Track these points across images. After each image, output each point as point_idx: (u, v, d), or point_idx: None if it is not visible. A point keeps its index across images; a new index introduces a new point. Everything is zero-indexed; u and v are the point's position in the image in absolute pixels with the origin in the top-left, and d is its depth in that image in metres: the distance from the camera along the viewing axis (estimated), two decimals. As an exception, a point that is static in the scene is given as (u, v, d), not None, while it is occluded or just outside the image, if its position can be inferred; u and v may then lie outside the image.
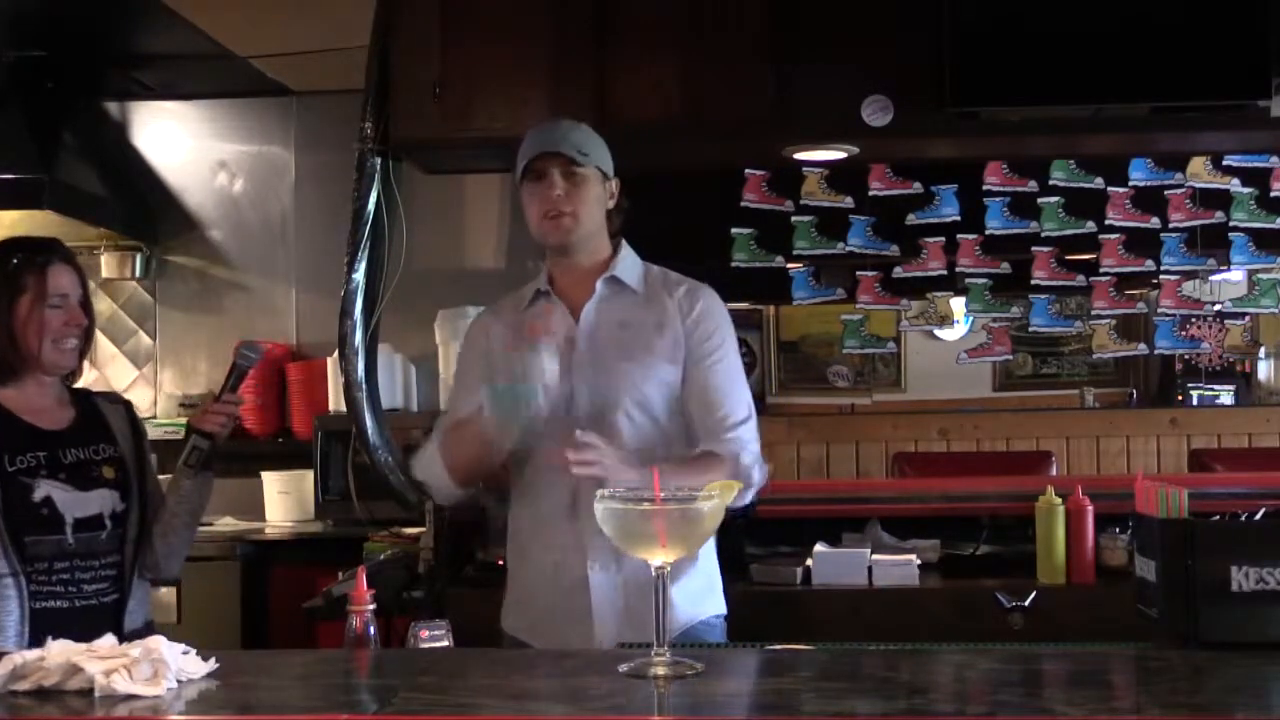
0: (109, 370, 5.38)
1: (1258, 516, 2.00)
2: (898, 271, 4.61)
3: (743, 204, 4.60)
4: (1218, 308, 4.72)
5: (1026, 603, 3.05)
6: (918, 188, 4.57)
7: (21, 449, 2.54)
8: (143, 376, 5.41)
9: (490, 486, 2.82)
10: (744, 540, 3.46)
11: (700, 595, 2.55)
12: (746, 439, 2.52)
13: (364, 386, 4.25)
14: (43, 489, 2.52)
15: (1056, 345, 7.52)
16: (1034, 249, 4.59)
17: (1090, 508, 3.23)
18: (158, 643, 1.66)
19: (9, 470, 2.51)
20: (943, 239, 4.58)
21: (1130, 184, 4.53)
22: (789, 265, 4.66)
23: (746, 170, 4.58)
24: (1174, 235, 4.54)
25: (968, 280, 4.63)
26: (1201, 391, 6.75)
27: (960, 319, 6.30)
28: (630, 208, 2.63)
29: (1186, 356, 6.21)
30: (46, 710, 1.57)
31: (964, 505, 3.65)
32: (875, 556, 3.32)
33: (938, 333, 6.79)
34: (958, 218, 4.58)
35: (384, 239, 4.25)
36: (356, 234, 4.20)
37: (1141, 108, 3.97)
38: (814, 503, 3.67)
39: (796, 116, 4.00)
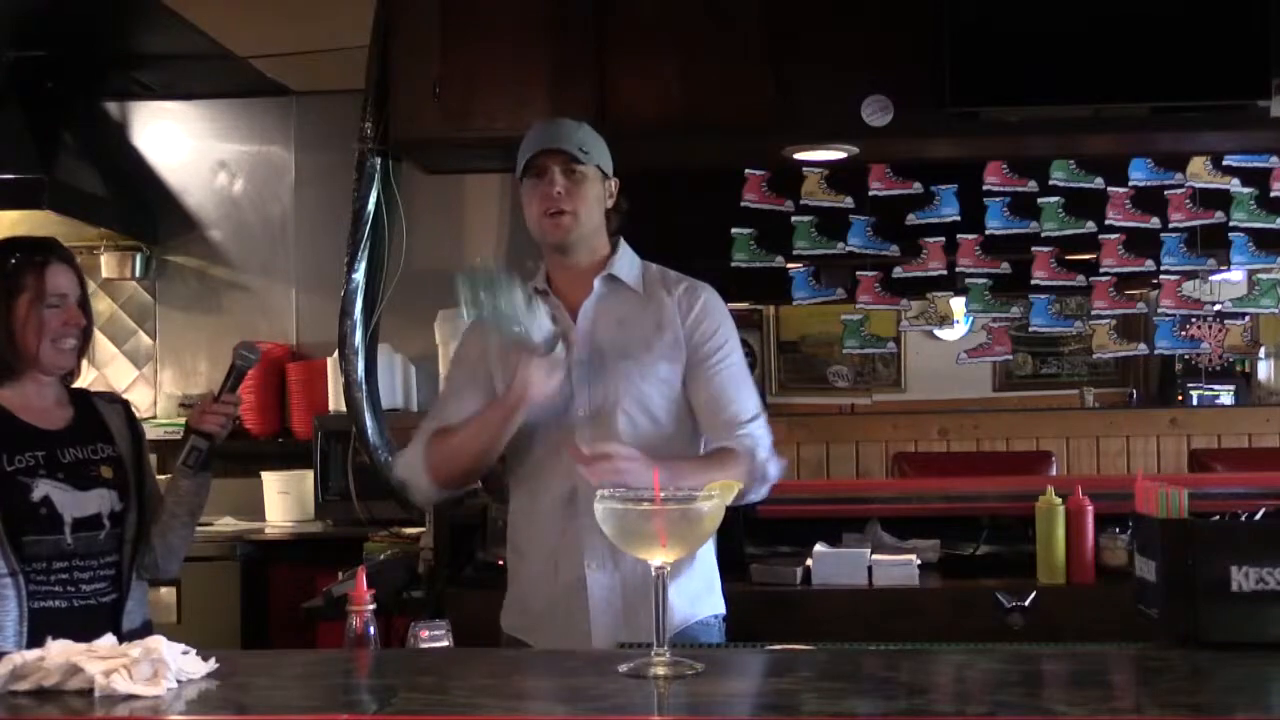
0: (109, 370, 5.39)
1: (1258, 516, 2.00)
2: (898, 271, 4.61)
3: (743, 204, 4.60)
4: (1218, 308, 4.72)
5: (1026, 603, 3.05)
6: (918, 188, 4.57)
7: (20, 448, 2.54)
8: (143, 376, 5.42)
9: (490, 487, 2.82)
10: (744, 540, 3.46)
11: (698, 595, 2.55)
12: (759, 435, 2.52)
13: (364, 386, 4.25)
14: (41, 488, 2.52)
15: (1056, 345, 7.54)
16: (1034, 249, 4.59)
17: (1090, 508, 3.23)
18: (158, 643, 1.66)
19: (7, 470, 2.51)
20: (943, 239, 4.58)
21: (1130, 184, 4.53)
22: (789, 265, 4.66)
23: (746, 170, 4.58)
24: (1174, 235, 4.54)
25: (968, 280, 4.63)
26: (1201, 391, 6.76)
27: (960, 319, 6.33)
28: (630, 208, 2.63)
29: (1186, 356, 6.22)
30: (46, 710, 1.57)
31: (964, 505, 3.66)
32: (875, 556, 3.32)
33: (938, 333, 6.80)
34: (958, 218, 4.58)
35: (384, 239, 4.25)
36: (356, 234, 4.20)
37: (1141, 108, 3.97)
38: (814, 503, 3.67)
39: (796, 116, 4.00)
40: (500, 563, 2.77)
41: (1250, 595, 1.82)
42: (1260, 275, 4.64)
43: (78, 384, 2.75)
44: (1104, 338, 4.71)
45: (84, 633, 1.76)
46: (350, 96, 4.30)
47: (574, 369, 2.49)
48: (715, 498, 1.75)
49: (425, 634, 2.09)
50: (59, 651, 1.65)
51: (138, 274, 5.34)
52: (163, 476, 2.87)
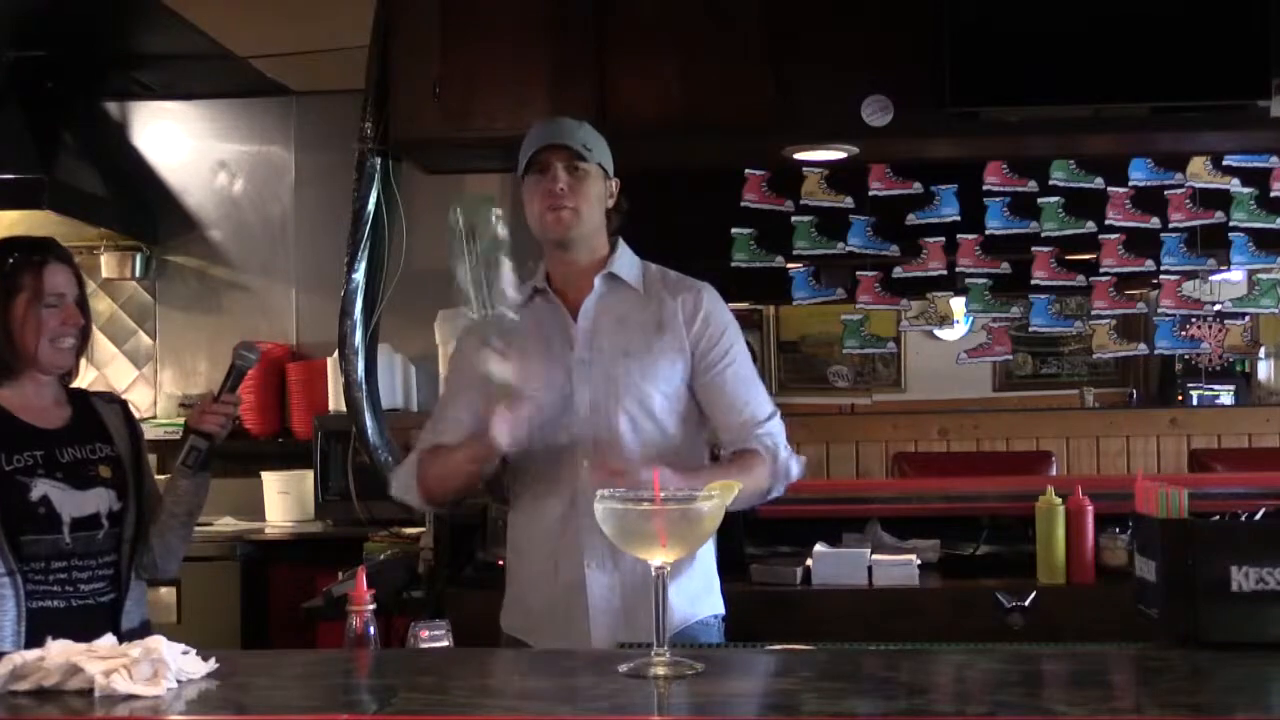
0: (109, 370, 5.39)
1: (1258, 516, 2.00)
2: (898, 271, 4.61)
3: (743, 204, 4.60)
4: (1218, 308, 4.71)
5: (1026, 603, 3.05)
6: (918, 188, 4.57)
7: (18, 448, 2.54)
8: (143, 376, 5.42)
9: (491, 487, 2.82)
10: (744, 540, 3.46)
11: (697, 595, 2.55)
12: (777, 434, 2.53)
13: (364, 386, 4.24)
14: (40, 488, 2.52)
15: (1056, 345, 7.54)
16: (1034, 249, 4.59)
17: (1090, 508, 3.23)
18: (158, 643, 1.66)
19: (5, 469, 2.51)
20: (943, 239, 4.58)
21: (1130, 184, 4.53)
22: (789, 265, 4.66)
23: (746, 170, 4.57)
24: (1174, 235, 4.54)
25: (968, 280, 4.63)
26: (1201, 391, 6.77)
27: (960, 319, 6.33)
28: (630, 208, 2.63)
29: (1186, 356, 6.23)
30: (46, 710, 1.57)
31: (964, 505, 3.66)
32: (875, 556, 3.32)
33: (938, 333, 6.81)
34: (958, 218, 4.58)
35: (384, 239, 4.24)
36: (356, 234, 4.20)
37: (1141, 108, 3.97)
38: (814, 503, 3.66)
39: (796, 116, 4.00)
40: (500, 563, 2.77)
41: (1250, 595, 1.82)
42: (1260, 275, 4.64)
43: (76, 384, 2.75)
44: (1104, 338, 4.71)
45: (82, 632, 1.76)
46: (350, 96, 4.30)
47: (575, 368, 2.49)
48: (715, 498, 1.75)
49: (425, 634, 2.09)
50: (59, 651, 1.65)
51: (138, 274, 5.34)
52: (162, 476, 2.87)
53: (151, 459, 2.90)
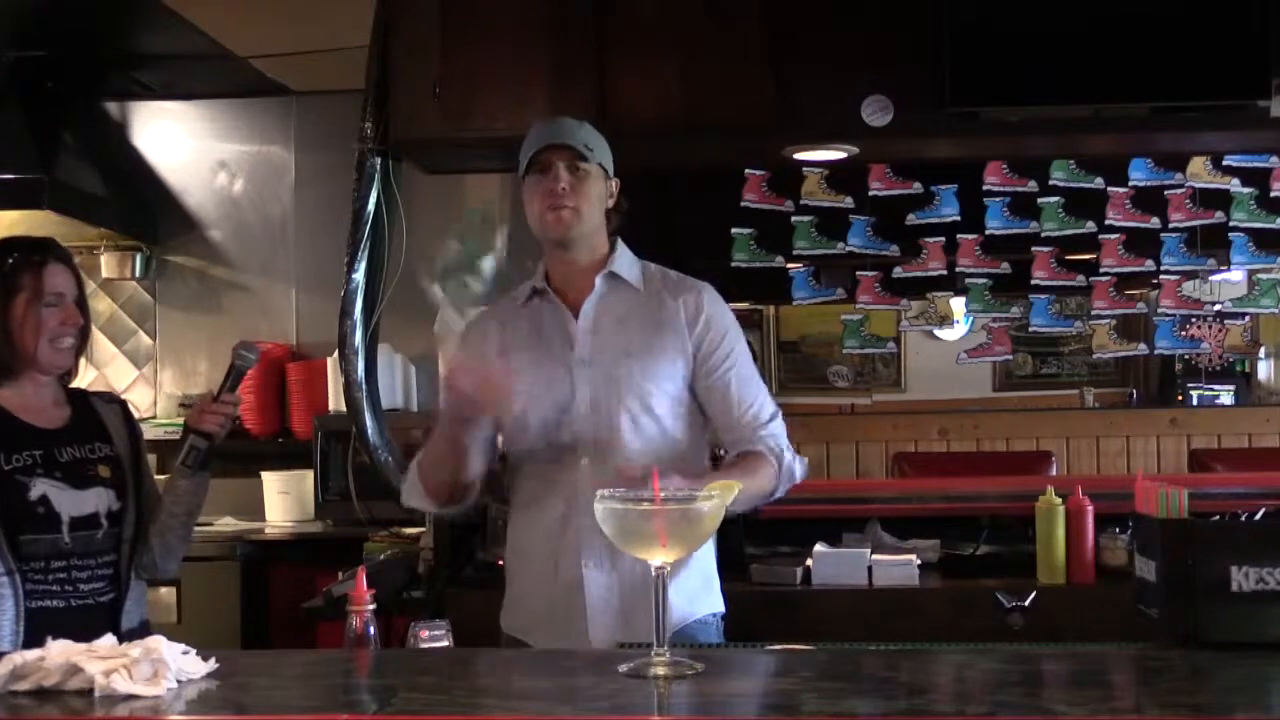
0: (109, 370, 5.39)
1: (1258, 516, 2.00)
2: (898, 271, 4.61)
3: (743, 204, 4.60)
4: (1218, 308, 4.71)
5: (1026, 603, 3.05)
6: (918, 188, 4.57)
7: (18, 447, 2.54)
8: (143, 376, 5.42)
9: (490, 488, 2.81)
10: (744, 540, 3.46)
11: (697, 594, 2.55)
12: (780, 434, 2.53)
13: (364, 386, 4.24)
14: (39, 487, 2.52)
15: (1056, 345, 7.55)
16: (1034, 249, 4.59)
17: (1090, 508, 3.23)
18: (158, 643, 1.66)
19: (5, 469, 2.51)
20: (943, 239, 4.58)
21: (1130, 184, 4.53)
22: (789, 265, 4.66)
23: (746, 170, 4.57)
24: (1174, 235, 4.54)
25: (968, 280, 4.63)
26: (1201, 391, 6.77)
27: (960, 319, 6.33)
28: (630, 208, 2.63)
29: (1186, 356, 6.23)
30: (46, 710, 1.57)
31: (964, 505, 3.66)
32: (875, 556, 3.32)
33: (938, 333, 6.81)
34: (958, 218, 4.57)
35: (384, 239, 4.24)
36: (356, 234, 4.20)
37: (1141, 108, 3.97)
38: (814, 503, 3.66)
39: (796, 116, 4.00)
40: (500, 563, 2.77)
41: (1250, 595, 1.82)
42: (1260, 275, 4.64)
43: (76, 383, 2.75)
44: (1104, 338, 4.71)
45: (82, 632, 1.76)
46: (350, 96, 4.30)
47: (575, 367, 2.49)
48: (715, 498, 1.75)
49: (425, 634, 2.09)
50: (59, 651, 1.65)
51: (138, 274, 5.34)
52: (162, 476, 2.87)
53: (151, 459, 2.90)
